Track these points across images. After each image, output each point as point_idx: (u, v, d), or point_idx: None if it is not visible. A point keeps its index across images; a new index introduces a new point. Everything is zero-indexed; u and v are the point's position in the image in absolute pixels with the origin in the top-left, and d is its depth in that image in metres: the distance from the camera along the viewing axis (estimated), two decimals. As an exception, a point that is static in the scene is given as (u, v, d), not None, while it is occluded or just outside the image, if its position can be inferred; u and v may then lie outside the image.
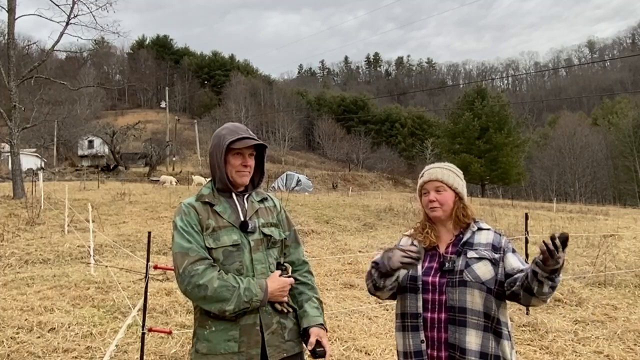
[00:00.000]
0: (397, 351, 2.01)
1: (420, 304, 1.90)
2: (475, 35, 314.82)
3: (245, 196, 2.07)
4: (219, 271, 1.88)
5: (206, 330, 1.90)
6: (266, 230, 2.03)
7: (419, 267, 1.97)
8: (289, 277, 1.99)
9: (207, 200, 2.00)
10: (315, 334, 1.96)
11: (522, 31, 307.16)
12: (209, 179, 2.14)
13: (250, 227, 1.97)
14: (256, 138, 2.05)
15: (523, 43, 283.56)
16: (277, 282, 1.92)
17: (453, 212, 2.00)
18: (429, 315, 1.89)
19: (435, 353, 1.86)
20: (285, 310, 1.99)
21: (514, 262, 1.88)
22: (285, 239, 2.12)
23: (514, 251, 1.94)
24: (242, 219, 1.99)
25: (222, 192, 2.04)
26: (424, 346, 1.87)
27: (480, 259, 1.87)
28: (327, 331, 2.06)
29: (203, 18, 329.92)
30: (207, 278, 1.83)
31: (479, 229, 1.98)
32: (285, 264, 2.04)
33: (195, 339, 1.95)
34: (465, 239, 1.95)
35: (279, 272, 1.97)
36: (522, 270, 1.83)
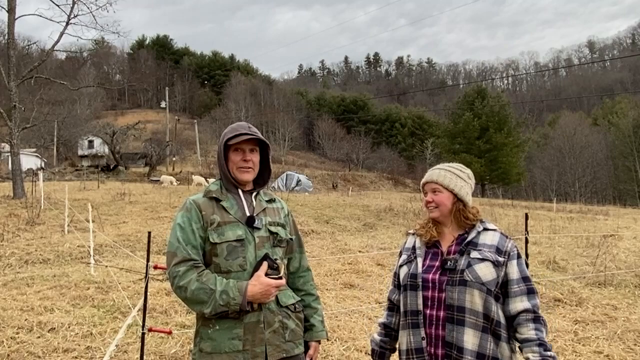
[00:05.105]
0: (400, 350, 2.02)
1: (420, 301, 1.92)
2: (487, 32, 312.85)
3: (254, 194, 2.08)
4: (200, 273, 1.86)
5: (210, 329, 1.90)
6: (272, 229, 2.03)
7: (420, 264, 1.98)
8: (279, 277, 1.88)
9: (214, 195, 2.01)
10: (313, 347, 2.09)
11: (535, 28, 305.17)
12: (212, 179, 2.14)
13: (256, 222, 1.97)
14: (255, 134, 2.04)
15: (536, 40, 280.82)
16: (258, 286, 1.83)
17: (451, 213, 2.01)
18: (428, 311, 1.90)
19: (432, 350, 1.88)
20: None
21: (514, 272, 1.89)
22: (291, 239, 2.12)
23: (519, 257, 1.94)
24: (249, 214, 2.00)
25: (229, 190, 2.05)
26: (424, 343, 1.89)
27: (483, 260, 1.87)
28: (327, 337, 2.09)
29: (214, 14, 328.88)
30: (187, 280, 1.84)
31: (485, 229, 1.98)
32: (278, 262, 1.95)
33: (198, 338, 1.95)
34: (469, 238, 1.95)
35: (265, 268, 1.86)
36: (517, 289, 1.89)
